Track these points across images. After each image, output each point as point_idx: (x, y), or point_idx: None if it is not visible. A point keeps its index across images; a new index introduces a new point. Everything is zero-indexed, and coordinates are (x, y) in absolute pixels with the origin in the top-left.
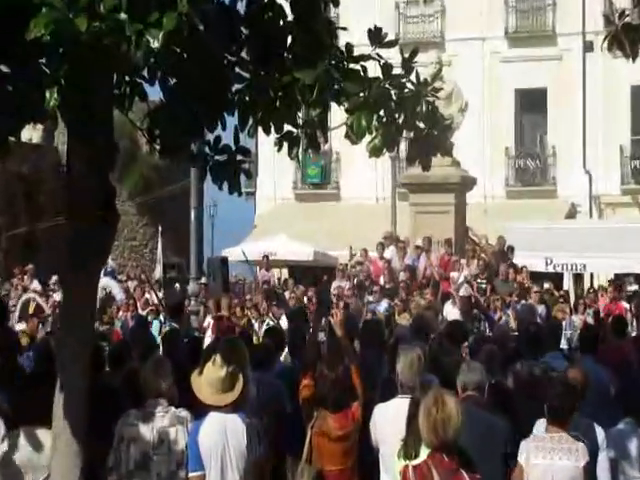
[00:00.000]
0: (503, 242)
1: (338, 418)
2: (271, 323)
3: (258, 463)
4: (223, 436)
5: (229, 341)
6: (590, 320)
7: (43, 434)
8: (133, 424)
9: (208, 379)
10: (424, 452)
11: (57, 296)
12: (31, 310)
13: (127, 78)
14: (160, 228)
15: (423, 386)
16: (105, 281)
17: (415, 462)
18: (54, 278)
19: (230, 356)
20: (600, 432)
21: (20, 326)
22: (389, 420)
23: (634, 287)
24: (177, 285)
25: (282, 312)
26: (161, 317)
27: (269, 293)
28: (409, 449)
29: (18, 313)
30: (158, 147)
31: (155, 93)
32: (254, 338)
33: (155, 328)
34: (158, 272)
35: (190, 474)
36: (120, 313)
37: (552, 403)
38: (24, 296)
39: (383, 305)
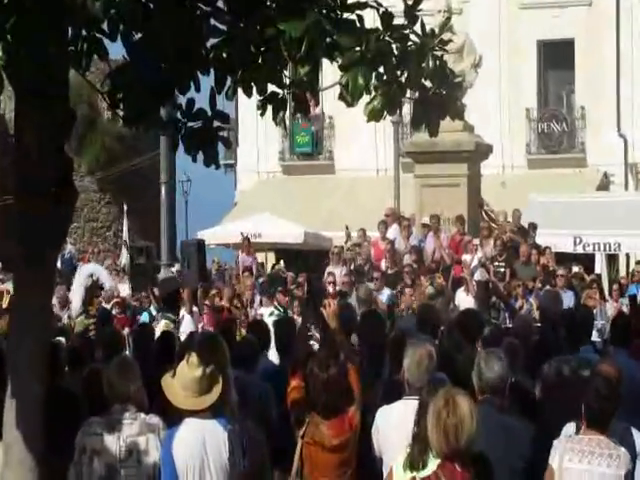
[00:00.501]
0: (519, 216)
1: (332, 425)
2: (275, 312)
3: (243, 478)
4: (201, 447)
5: (207, 337)
6: (625, 309)
7: None
8: (96, 433)
9: (182, 381)
10: (433, 462)
11: (9, 286)
12: (5, 304)
13: (84, 32)
14: (125, 207)
15: (431, 386)
16: (92, 267)
17: (423, 474)
18: None
19: (207, 354)
20: (638, 437)
21: None
22: (393, 425)
23: None
24: (173, 269)
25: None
26: (152, 308)
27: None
28: (415, 459)
29: (80, 297)
30: (122, 113)
31: (117, 50)
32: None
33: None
34: (124, 258)
35: None
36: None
37: (592, 404)
38: (83, 281)
39: (385, 294)
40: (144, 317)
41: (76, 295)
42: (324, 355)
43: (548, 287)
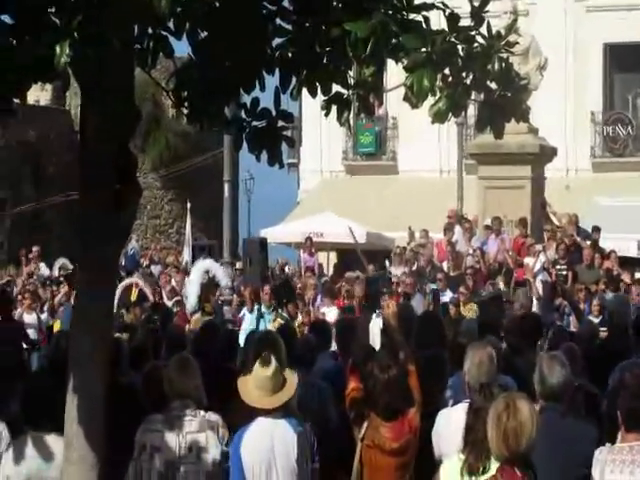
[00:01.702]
0: (577, 221)
1: (392, 427)
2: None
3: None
4: (269, 447)
5: (265, 336)
6: None
7: (53, 441)
8: (157, 430)
9: (255, 379)
10: (494, 466)
11: (137, 279)
12: (133, 297)
13: (150, 30)
14: (189, 205)
15: (484, 389)
16: (208, 263)
17: (483, 478)
18: (61, 261)
19: (263, 351)
20: None
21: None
22: (454, 429)
23: None
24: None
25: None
26: (262, 307)
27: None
28: (475, 463)
29: (117, 301)
30: (186, 111)
31: (182, 48)
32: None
33: (250, 321)
34: (186, 255)
35: None
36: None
37: (627, 406)
38: (125, 280)
39: (448, 295)
40: (251, 317)
41: (192, 291)
42: (384, 356)
43: (612, 293)
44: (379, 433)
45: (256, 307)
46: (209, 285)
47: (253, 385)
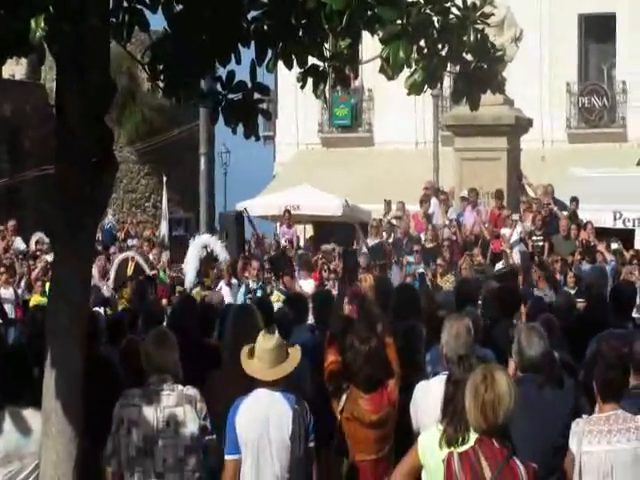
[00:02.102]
0: (552, 191)
1: (372, 400)
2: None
3: (304, 460)
4: (265, 420)
5: (241, 308)
6: None
7: (32, 416)
8: (134, 405)
9: (257, 351)
10: (473, 437)
11: (49, 257)
12: (130, 271)
13: (125, 3)
14: (165, 178)
15: (463, 361)
16: (205, 238)
17: (461, 449)
18: (37, 235)
19: (240, 324)
20: None
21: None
22: (433, 400)
23: None
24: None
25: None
26: (249, 282)
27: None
28: (455, 434)
29: (113, 274)
30: (162, 84)
31: (158, 22)
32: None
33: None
34: (164, 229)
35: (225, 457)
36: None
37: (603, 376)
38: (121, 254)
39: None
40: (238, 292)
41: (190, 266)
42: (363, 328)
43: (587, 264)
44: (358, 405)
45: (244, 283)
46: (208, 260)
47: (255, 356)
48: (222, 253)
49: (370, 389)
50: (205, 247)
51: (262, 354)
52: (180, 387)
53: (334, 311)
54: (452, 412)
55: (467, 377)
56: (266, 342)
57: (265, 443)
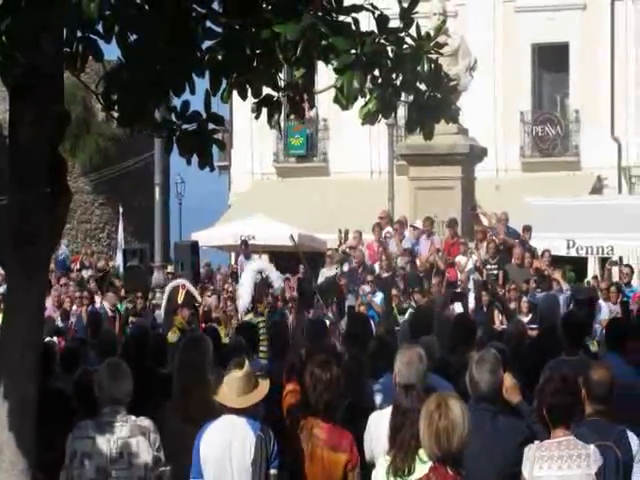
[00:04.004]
0: (506, 219)
1: (329, 429)
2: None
3: None
4: (228, 444)
5: (192, 338)
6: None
7: None
8: (88, 437)
9: (227, 379)
10: (421, 466)
11: (184, 281)
12: (180, 299)
13: (79, 33)
14: (121, 209)
15: (409, 390)
16: (261, 264)
17: (412, 478)
18: None
19: (192, 354)
20: (635, 440)
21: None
22: (385, 430)
23: None
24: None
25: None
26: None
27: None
28: (400, 464)
29: (165, 303)
30: (116, 114)
31: (112, 51)
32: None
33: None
34: (118, 259)
35: None
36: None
37: (550, 401)
38: (172, 282)
39: (379, 296)
40: None
41: (245, 291)
42: (324, 356)
43: (541, 292)
44: (314, 436)
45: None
46: (262, 285)
47: (224, 384)
48: (277, 280)
49: (329, 418)
50: (260, 272)
51: (231, 382)
52: (133, 418)
53: (293, 341)
54: (400, 442)
55: (415, 407)
56: (236, 371)
57: (227, 467)
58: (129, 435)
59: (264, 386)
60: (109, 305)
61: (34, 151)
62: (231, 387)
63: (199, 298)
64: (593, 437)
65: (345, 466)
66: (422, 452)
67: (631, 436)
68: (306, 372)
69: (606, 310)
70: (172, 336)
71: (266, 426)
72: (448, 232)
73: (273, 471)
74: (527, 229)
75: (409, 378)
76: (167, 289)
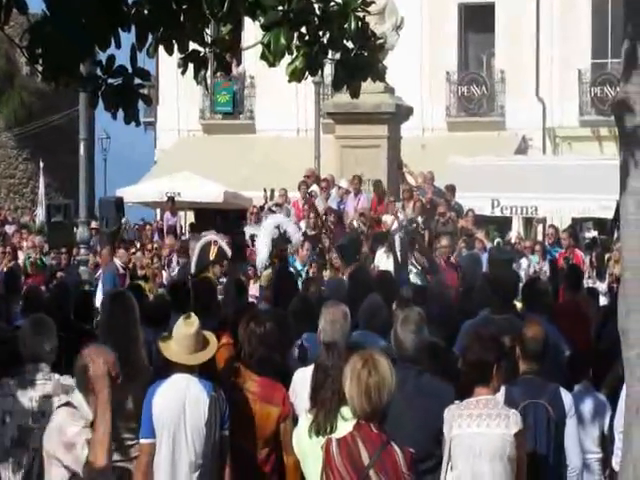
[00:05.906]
0: (432, 177)
1: (262, 383)
2: None
3: (219, 446)
4: (181, 404)
5: (116, 293)
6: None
7: None
8: (9, 394)
9: (176, 337)
10: (344, 424)
11: (216, 237)
12: (212, 255)
13: None
14: (42, 164)
15: (331, 348)
16: (278, 218)
17: (337, 436)
18: None
19: (118, 311)
20: (567, 397)
21: None
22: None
23: (593, 234)
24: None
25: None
26: None
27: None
28: (322, 423)
29: (196, 259)
30: (40, 68)
31: (36, 4)
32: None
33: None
34: (41, 215)
35: (141, 440)
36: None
37: (470, 359)
38: (202, 239)
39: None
40: None
41: (262, 247)
42: (258, 310)
43: (464, 251)
44: (246, 389)
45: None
46: (280, 240)
47: (174, 341)
48: (295, 234)
49: (264, 371)
50: (277, 227)
51: (182, 339)
52: (57, 376)
53: (226, 295)
54: (322, 400)
55: (337, 364)
56: (187, 327)
57: (181, 428)
58: (52, 393)
59: (214, 344)
60: (120, 262)
61: None
62: (181, 344)
63: (230, 253)
64: (525, 396)
65: (278, 419)
66: (344, 410)
67: (564, 393)
68: (241, 326)
69: (525, 265)
70: None
71: (218, 386)
72: (374, 195)
73: (226, 432)
74: (451, 188)
75: (332, 336)
76: (198, 245)
